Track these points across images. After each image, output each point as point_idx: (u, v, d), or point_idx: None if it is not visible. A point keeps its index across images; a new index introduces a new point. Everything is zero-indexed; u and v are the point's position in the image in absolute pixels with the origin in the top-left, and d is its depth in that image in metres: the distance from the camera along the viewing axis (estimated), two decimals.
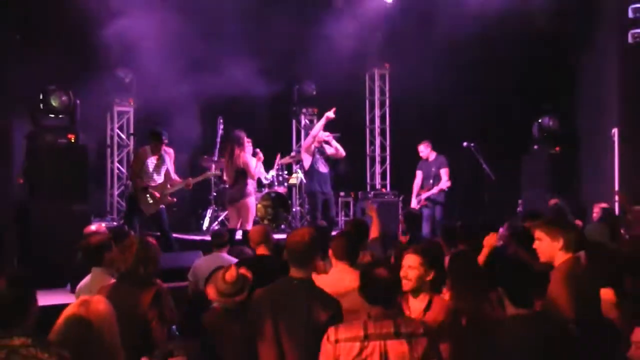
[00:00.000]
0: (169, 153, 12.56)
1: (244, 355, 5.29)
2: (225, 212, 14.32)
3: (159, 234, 12.46)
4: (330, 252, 6.37)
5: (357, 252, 6.50)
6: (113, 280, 6.01)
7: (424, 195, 14.82)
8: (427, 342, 4.60)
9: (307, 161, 13.96)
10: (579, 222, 11.22)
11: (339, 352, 4.62)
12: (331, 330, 4.73)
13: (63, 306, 4.87)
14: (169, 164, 12.49)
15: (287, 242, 5.57)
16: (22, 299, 4.11)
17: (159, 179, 12.36)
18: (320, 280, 5.85)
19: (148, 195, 12.22)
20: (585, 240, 7.47)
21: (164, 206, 12.51)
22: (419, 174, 15.14)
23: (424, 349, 4.57)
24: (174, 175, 12.59)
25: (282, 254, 5.88)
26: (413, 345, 4.56)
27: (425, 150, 15.08)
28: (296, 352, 5.13)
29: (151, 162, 12.31)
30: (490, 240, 7.37)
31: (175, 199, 12.69)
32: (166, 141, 12.44)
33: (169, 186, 12.45)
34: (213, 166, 14.68)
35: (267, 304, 5.30)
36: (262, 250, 7.65)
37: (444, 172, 14.80)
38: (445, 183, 14.72)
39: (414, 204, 15.00)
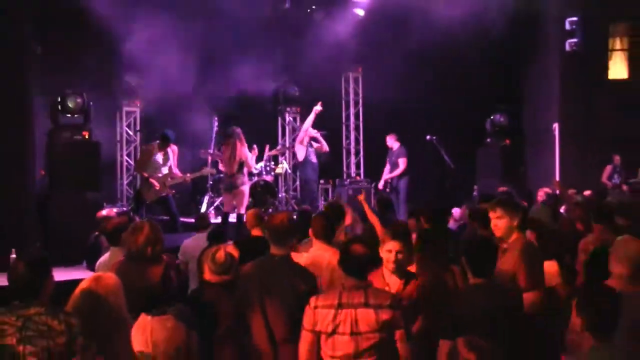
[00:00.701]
0: (173, 150, 12.69)
1: (236, 326, 5.28)
2: (221, 198, 14.44)
3: (166, 218, 12.63)
4: (310, 231, 6.41)
5: (333, 231, 6.52)
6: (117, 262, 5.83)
7: (383, 178, 15.30)
8: (392, 313, 4.62)
9: (301, 152, 14.30)
10: (524, 203, 11.41)
11: (317, 317, 4.70)
12: (312, 299, 4.80)
13: (79, 281, 5.02)
14: (172, 159, 12.62)
15: (269, 224, 5.60)
16: (37, 279, 4.19)
17: (165, 171, 12.48)
18: (303, 257, 5.96)
19: (149, 185, 12.35)
20: (530, 220, 7.63)
21: (169, 194, 12.67)
22: (387, 162, 15.41)
23: (389, 318, 4.60)
24: (175, 170, 12.67)
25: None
26: (379, 314, 4.59)
27: (389, 140, 15.32)
28: (280, 320, 5.18)
29: (159, 157, 12.43)
30: None
31: (174, 190, 12.78)
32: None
33: (169, 179, 12.56)
34: (209, 158, 14.76)
35: (254, 279, 5.33)
36: (256, 232, 7.63)
37: (401, 161, 14.98)
38: (398, 170, 14.96)
39: (380, 185, 15.37)
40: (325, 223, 6.39)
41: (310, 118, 14.24)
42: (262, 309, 5.23)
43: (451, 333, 4.75)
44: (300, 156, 14.38)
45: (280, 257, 5.43)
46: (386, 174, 15.34)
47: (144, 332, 3.09)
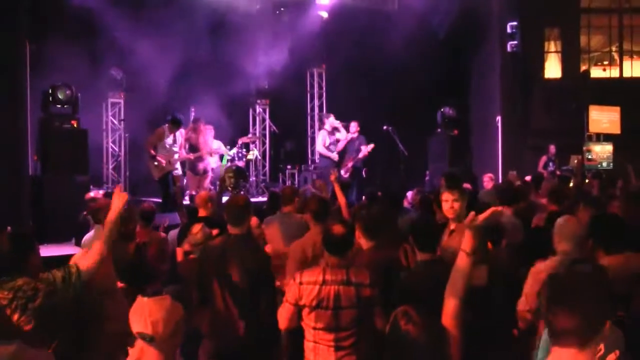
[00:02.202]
0: (181, 133, 12.81)
1: (205, 293, 5.30)
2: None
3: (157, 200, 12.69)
4: (309, 216, 6.33)
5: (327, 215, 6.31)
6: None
7: (350, 164, 14.88)
8: (371, 291, 4.60)
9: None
10: (467, 185, 11.50)
11: (302, 292, 4.62)
12: (297, 274, 4.74)
13: (69, 256, 5.04)
14: (180, 141, 12.72)
15: (226, 206, 5.55)
16: (20, 253, 4.16)
17: (173, 152, 12.57)
18: (307, 238, 6.00)
19: (155, 163, 12.38)
20: (479, 202, 7.73)
21: (177, 173, 12.78)
22: (346, 146, 15.03)
23: (368, 295, 4.58)
24: (182, 151, 12.84)
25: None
26: (360, 291, 4.56)
27: (354, 126, 14.96)
28: (234, 290, 5.14)
29: (169, 139, 12.51)
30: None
31: (178, 168, 12.87)
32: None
33: (175, 157, 12.65)
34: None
35: (213, 254, 5.32)
36: (202, 212, 7.56)
37: (364, 148, 14.71)
38: (362, 154, 14.73)
39: (348, 166, 14.93)
40: (319, 208, 6.28)
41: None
42: (219, 280, 5.20)
43: (400, 304, 4.84)
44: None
45: (236, 235, 5.36)
46: (350, 160, 14.99)
47: (142, 313, 3.05)
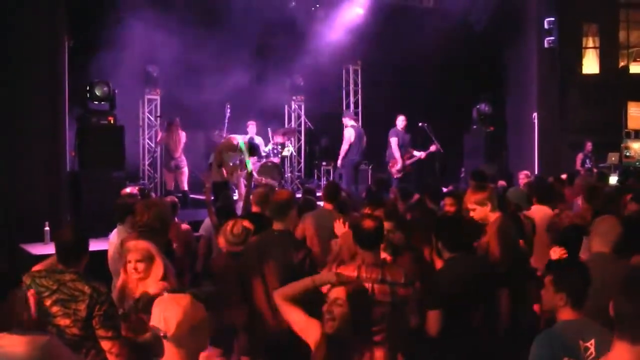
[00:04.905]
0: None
1: (240, 289, 5.32)
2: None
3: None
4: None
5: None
6: (134, 234, 5.58)
7: (409, 162, 14.85)
8: (405, 289, 4.57)
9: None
10: (503, 183, 11.39)
11: None
12: (334, 266, 4.85)
13: (105, 251, 5.04)
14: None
15: (270, 200, 5.60)
16: (82, 244, 4.31)
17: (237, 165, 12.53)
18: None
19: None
20: (506, 201, 7.64)
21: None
22: (398, 143, 14.71)
23: (403, 294, 4.56)
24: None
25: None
26: (394, 289, 4.54)
27: (404, 121, 14.90)
28: (276, 286, 5.00)
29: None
30: None
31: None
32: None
33: (238, 171, 12.56)
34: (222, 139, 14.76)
35: (255, 250, 5.34)
36: (256, 209, 7.22)
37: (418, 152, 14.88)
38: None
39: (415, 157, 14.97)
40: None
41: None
42: (262, 278, 5.22)
43: (438, 304, 4.79)
44: None
45: (279, 231, 5.40)
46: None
47: (158, 307, 3.01)
